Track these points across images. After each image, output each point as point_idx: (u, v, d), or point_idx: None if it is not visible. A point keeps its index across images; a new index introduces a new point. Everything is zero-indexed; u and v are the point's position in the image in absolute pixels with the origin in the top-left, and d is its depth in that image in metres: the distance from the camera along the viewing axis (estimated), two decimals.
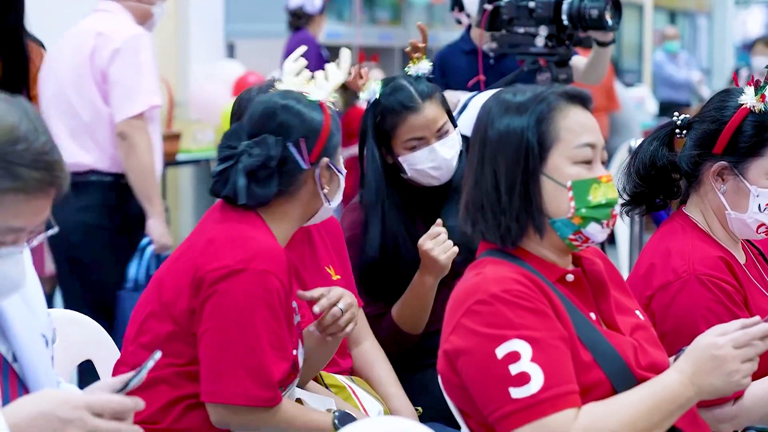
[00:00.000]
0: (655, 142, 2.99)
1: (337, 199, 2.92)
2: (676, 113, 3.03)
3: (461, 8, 5.06)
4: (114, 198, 4.84)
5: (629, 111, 10.24)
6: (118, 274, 4.83)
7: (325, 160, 2.84)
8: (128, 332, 2.88)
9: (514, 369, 2.27)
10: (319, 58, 8.28)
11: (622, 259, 6.21)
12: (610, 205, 2.43)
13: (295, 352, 2.82)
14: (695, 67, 15.72)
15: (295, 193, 2.84)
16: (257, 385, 2.70)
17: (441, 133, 3.44)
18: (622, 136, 9.11)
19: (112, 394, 2.10)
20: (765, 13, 20.87)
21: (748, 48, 14.35)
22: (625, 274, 3.15)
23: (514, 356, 2.28)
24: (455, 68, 5.10)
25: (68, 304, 4.84)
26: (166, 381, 2.77)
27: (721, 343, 2.32)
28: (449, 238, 3.32)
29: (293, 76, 2.93)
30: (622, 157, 6.10)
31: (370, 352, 3.37)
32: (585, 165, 2.42)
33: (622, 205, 2.96)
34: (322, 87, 2.89)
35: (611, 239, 6.43)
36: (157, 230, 4.82)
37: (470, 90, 4.62)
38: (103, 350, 3.10)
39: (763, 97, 2.88)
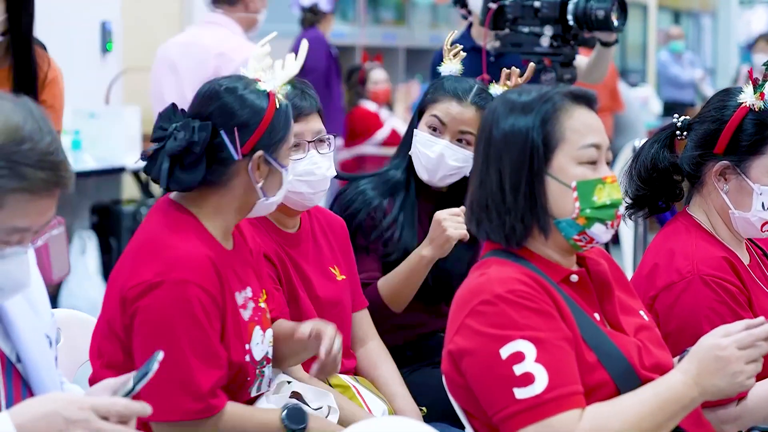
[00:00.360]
0: (655, 145, 2.99)
1: (279, 195, 2.81)
2: (676, 115, 3.03)
3: (463, 5, 5.05)
4: None
5: (633, 111, 10.23)
6: None
7: (260, 153, 2.73)
8: (90, 347, 2.81)
9: (518, 369, 2.27)
10: (329, 56, 8.30)
11: (626, 260, 6.21)
12: (614, 205, 2.43)
13: (247, 346, 2.76)
14: (699, 66, 15.71)
15: (227, 184, 2.73)
16: (187, 398, 2.62)
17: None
18: (627, 137, 9.10)
19: (117, 396, 2.10)
20: None
21: (750, 47, 14.32)
22: (629, 275, 3.15)
23: (518, 357, 2.28)
24: None
25: None
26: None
27: (725, 344, 2.32)
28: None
29: (257, 62, 2.82)
30: (626, 158, 6.09)
31: (375, 352, 3.37)
32: (590, 165, 2.41)
33: (625, 208, 2.96)
34: (275, 77, 2.78)
35: (615, 239, 6.43)
36: None
37: None
38: None
39: (762, 95, 2.88)
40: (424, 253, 3.36)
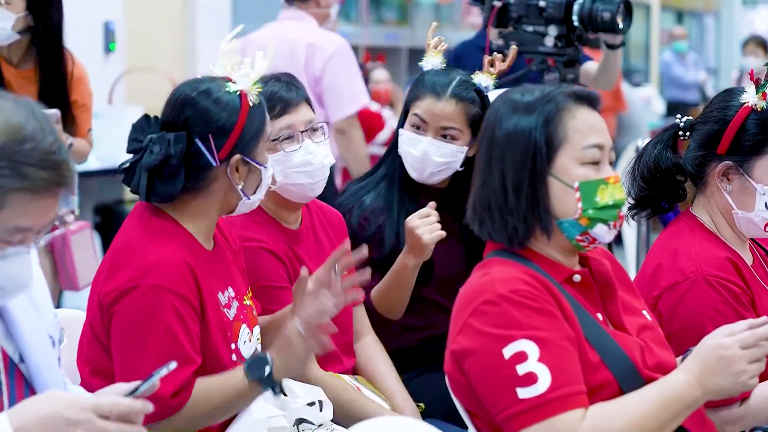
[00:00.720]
0: (658, 146, 2.99)
1: (260, 192, 2.80)
2: (678, 116, 3.03)
3: (482, 1, 5.04)
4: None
5: (636, 111, 10.23)
6: None
7: (237, 156, 2.71)
8: (78, 354, 2.80)
9: (521, 369, 2.27)
10: None
11: (629, 260, 6.20)
12: (617, 206, 2.42)
13: (234, 345, 2.75)
14: (702, 67, 15.70)
15: (207, 188, 2.73)
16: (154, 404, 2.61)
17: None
18: (630, 137, 9.10)
19: (120, 396, 2.09)
20: None
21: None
22: (632, 275, 3.15)
23: (521, 356, 2.28)
24: (471, 65, 5.09)
25: None
26: None
27: (729, 344, 2.32)
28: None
29: (225, 58, 2.78)
30: (629, 158, 6.08)
31: (371, 347, 3.39)
32: (593, 166, 2.41)
33: (628, 208, 2.96)
34: (246, 75, 2.75)
35: (618, 240, 6.42)
36: None
37: None
38: None
39: (764, 95, 2.88)
40: (407, 261, 3.35)
